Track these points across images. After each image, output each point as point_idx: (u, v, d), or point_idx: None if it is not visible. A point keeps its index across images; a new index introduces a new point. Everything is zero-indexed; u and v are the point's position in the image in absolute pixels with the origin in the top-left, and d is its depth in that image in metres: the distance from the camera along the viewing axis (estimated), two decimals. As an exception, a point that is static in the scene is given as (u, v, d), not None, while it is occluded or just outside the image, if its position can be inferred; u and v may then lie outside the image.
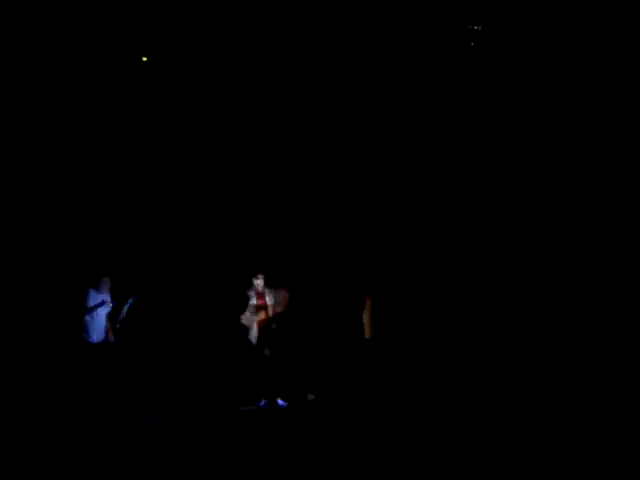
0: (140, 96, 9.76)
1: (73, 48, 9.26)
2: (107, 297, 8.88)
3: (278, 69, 9.68)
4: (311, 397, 7.84)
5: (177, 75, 9.73)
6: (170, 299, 8.91)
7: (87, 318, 8.81)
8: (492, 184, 9.46)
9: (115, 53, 9.45)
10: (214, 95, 9.80)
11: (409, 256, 9.57)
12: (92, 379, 8.20)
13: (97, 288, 8.87)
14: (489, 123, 9.60)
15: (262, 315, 7.98)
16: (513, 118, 9.46)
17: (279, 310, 8.09)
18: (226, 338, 8.29)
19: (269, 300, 8.07)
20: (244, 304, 8.07)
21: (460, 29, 9.59)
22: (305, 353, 8.12)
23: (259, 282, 8.14)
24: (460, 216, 9.57)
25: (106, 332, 8.85)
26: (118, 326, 8.43)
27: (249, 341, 8.01)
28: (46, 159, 9.57)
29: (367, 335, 8.21)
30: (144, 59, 9.57)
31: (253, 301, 8.03)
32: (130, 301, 8.30)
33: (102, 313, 8.88)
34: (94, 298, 8.83)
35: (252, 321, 7.96)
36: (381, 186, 9.90)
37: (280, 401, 7.83)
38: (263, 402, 7.75)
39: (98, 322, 8.86)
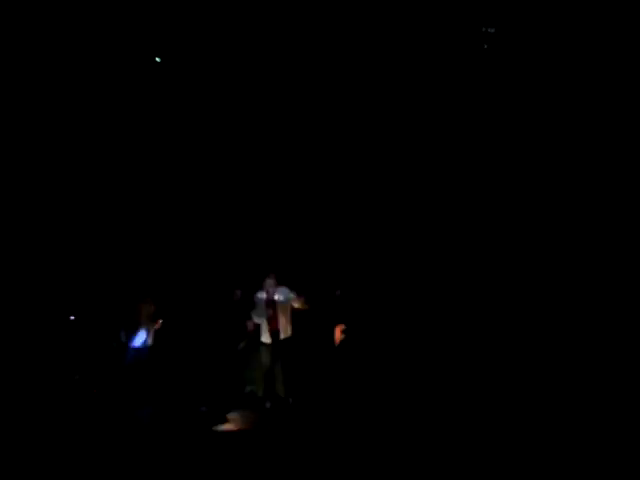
0: (154, 96, 9.85)
1: (88, 49, 9.40)
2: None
3: (292, 69, 9.74)
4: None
5: (190, 75, 9.82)
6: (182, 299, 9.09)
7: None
8: (500, 183, 9.46)
9: (129, 54, 9.56)
10: (226, 95, 9.88)
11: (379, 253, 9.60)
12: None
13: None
14: (501, 125, 9.59)
15: (270, 311, 8.26)
16: (525, 120, 9.44)
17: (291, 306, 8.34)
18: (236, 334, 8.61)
19: (277, 297, 8.31)
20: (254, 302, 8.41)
21: (474, 31, 9.61)
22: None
23: (270, 281, 8.41)
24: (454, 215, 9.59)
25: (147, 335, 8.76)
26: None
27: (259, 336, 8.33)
28: (53, 159, 9.68)
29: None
30: (158, 60, 9.67)
31: (263, 296, 8.34)
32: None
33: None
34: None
35: (262, 317, 8.32)
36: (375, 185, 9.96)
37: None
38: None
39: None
